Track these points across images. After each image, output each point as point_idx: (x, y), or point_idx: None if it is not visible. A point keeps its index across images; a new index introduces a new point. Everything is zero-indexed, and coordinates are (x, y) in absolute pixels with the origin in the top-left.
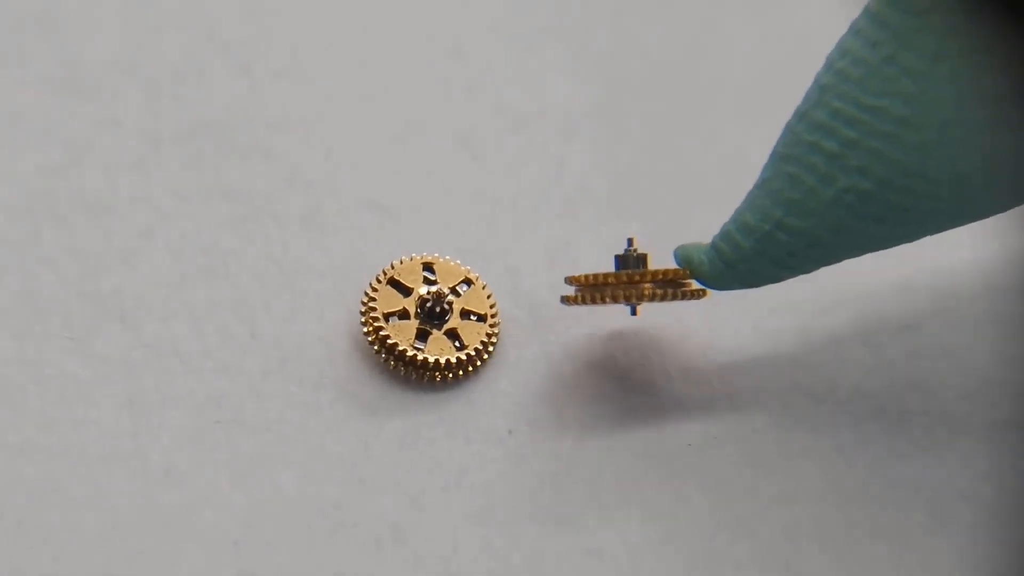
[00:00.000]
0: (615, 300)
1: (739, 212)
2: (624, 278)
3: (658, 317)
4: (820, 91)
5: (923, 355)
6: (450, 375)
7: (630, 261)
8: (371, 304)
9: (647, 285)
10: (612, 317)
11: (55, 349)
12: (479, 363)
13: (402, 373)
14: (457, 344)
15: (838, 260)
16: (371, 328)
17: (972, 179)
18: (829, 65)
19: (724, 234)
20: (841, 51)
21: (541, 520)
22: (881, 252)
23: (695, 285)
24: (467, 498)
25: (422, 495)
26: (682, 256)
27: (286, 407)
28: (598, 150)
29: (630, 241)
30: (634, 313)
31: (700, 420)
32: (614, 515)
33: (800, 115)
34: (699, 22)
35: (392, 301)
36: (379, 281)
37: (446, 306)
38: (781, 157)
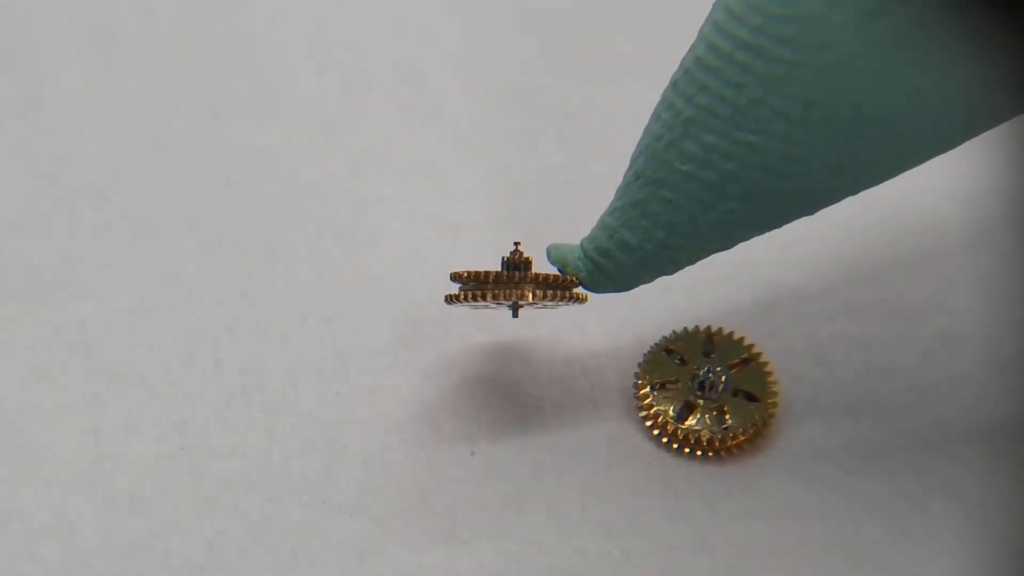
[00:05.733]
0: (496, 299)
1: (612, 229)
2: (506, 278)
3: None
4: (685, 123)
5: (875, 372)
6: None
7: (514, 264)
8: None
9: (528, 286)
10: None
11: (18, 380)
12: None
13: None
14: None
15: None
16: None
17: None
18: (687, 96)
19: (603, 251)
20: (697, 85)
21: (504, 539)
22: (833, 275)
23: (577, 290)
24: (430, 518)
25: (386, 517)
26: (556, 257)
27: (250, 432)
28: (557, 178)
29: (516, 245)
30: (515, 315)
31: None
32: (574, 532)
33: (667, 143)
34: (626, 63)
35: None
36: None
37: None
38: (652, 181)
